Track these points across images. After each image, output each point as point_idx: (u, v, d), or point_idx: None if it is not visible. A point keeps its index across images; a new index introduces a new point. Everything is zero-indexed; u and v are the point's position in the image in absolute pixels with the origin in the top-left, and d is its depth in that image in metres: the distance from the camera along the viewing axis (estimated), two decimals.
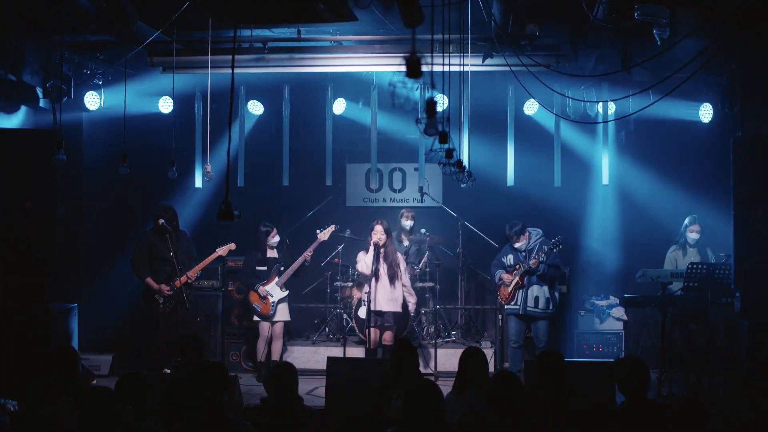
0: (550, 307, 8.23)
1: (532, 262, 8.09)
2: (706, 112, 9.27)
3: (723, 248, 8.35)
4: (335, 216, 10.07)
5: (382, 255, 8.29)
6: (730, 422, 6.62)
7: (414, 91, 3.56)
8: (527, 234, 8.29)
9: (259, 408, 5.18)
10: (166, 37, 7.67)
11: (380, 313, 8.25)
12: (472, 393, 5.13)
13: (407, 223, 9.55)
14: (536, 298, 8.18)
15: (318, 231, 8.80)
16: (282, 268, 8.65)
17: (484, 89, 9.29)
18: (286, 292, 8.65)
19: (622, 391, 4.89)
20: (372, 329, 8.22)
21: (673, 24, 6.52)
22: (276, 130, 10.11)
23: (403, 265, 8.48)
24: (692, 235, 8.61)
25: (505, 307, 8.39)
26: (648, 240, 10.05)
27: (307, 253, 8.64)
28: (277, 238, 8.71)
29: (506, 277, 8.30)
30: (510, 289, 8.25)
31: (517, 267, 8.23)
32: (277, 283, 8.60)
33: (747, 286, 7.25)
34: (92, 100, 9.41)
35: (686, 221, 8.66)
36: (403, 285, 8.42)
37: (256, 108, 9.91)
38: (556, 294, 8.40)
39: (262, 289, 8.58)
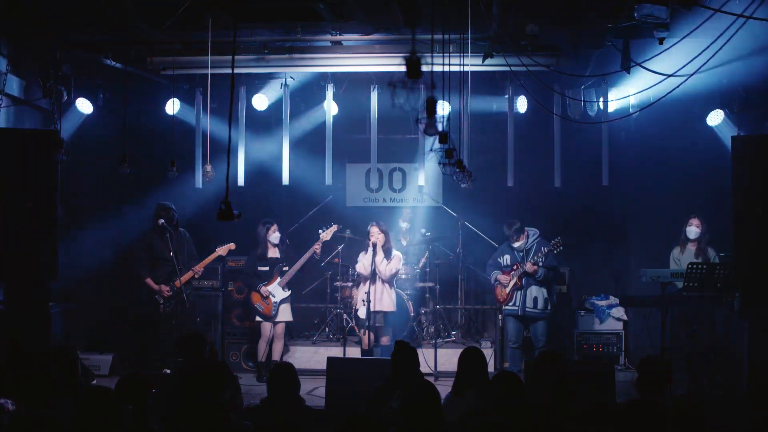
0: (549, 308, 8.22)
1: (527, 266, 8.06)
2: (715, 117, 9.18)
3: (728, 248, 8.32)
4: (335, 216, 10.08)
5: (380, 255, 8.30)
6: (730, 422, 6.62)
7: (414, 90, 3.56)
8: (526, 233, 8.28)
9: (259, 408, 5.18)
10: (166, 37, 7.67)
11: (377, 314, 8.25)
12: (471, 393, 5.13)
13: (404, 225, 9.60)
14: (535, 299, 8.17)
15: (321, 230, 8.81)
16: (285, 268, 8.65)
17: (485, 89, 9.30)
18: (289, 292, 8.64)
19: (640, 388, 4.87)
20: (368, 330, 8.22)
21: (673, 24, 6.52)
22: (276, 130, 10.10)
23: (394, 262, 8.44)
24: (691, 229, 8.54)
25: (504, 308, 8.38)
26: (648, 240, 10.06)
27: (317, 246, 8.61)
28: (277, 234, 8.71)
29: (503, 278, 8.28)
30: (508, 290, 8.24)
31: (515, 268, 8.22)
32: (279, 284, 8.60)
33: (747, 286, 7.24)
34: (83, 104, 9.40)
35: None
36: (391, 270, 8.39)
37: (261, 102, 9.83)
38: (555, 295, 8.39)
39: (264, 290, 8.57)
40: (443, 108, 6.78)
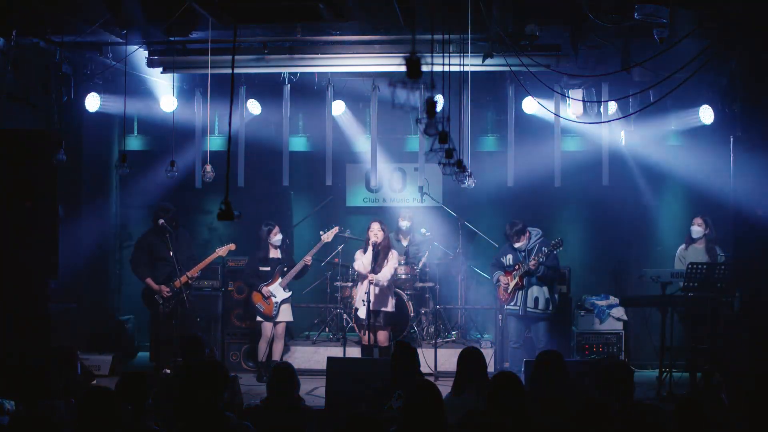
0: (550, 308, 8.22)
1: (531, 263, 8.07)
2: (706, 115, 9.26)
3: (730, 248, 8.33)
4: (335, 216, 10.09)
5: (379, 254, 8.30)
6: (729, 422, 6.61)
7: (414, 91, 3.56)
8: (528, 234, 8.28)
9: (259, 408, 5.18)
10: (166, 37, 7.67)
11: (375, 313, 8.26)
12: (471, 393, 5.13)
13: (405, 224, 9.57)
14: (536, 299, 8.17)
15: (322, 232, 8.80)
16: (285, 269, 8.65)
17: (485, 89, 9.30)
18: (289, 293, 8.64)
19: (605, 394, 4.87)
20: (368, 329, 8.22)
21: (673, 24, 6.51)
22: (276, 130, 10.11)
23: (392, 262, 8.43)
24: (694, 228, 8.61)
25: (505, 307, 8.38)
26: (648, 240, 10.07)
27: (308, 257, 8.64)
28: (279, 236, 8.71)
29: (504, 279, 8.28)
30: (509, 290, 8.24)
31: (517, 267, 8.22)
32: (280, 284, 8.59)
33: (747, 286, 7.24)
34: (92, 102, 9.40)
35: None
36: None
37: (255, 108, 9.92)
38: (556, 295, 8.39)
39: (265, 290, 8.57)
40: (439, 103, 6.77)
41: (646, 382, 8.16)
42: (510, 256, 8.33)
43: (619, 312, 9.21)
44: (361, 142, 10.60)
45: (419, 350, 6.32)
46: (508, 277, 8.25)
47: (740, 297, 7.46)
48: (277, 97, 9.53)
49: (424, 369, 6.26)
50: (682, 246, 8.77)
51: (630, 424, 4.15)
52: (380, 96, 9.28)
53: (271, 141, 10.23)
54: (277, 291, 8.59)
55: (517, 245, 8.25)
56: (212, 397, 4.78)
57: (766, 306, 7.12)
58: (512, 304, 8.24)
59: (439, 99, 5.48)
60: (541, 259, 8.05)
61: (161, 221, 8.39)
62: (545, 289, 8.19)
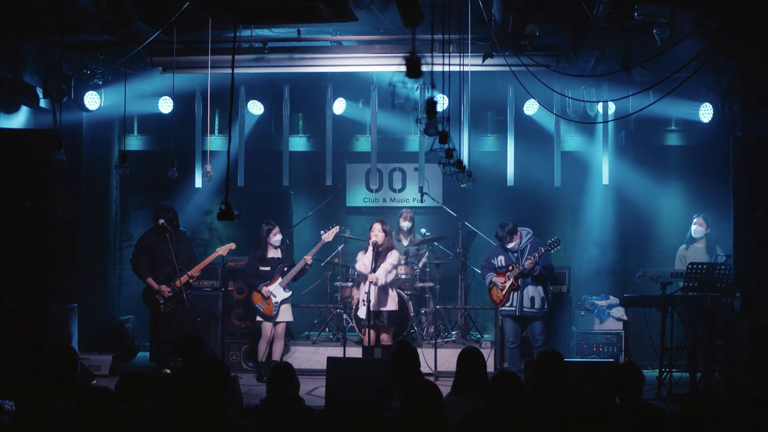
0: (545, 307, 8.23)
1: (527, 263, 8.06)
2: (706, 112, 9.31)
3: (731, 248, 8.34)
4: (335, 216, 10.09)
5: (380, 255, 8.29)
6: (730, 422, 6.61)
7: (414, 91, 3.56)
8: (519, 234, 8.27)
9: (259, 408, 5.18)
10: (166, 37, 7.67)
11: (377, 313, 8.25)
12: (470, 393, 5.13)
13: (405, 224, 9.56)
14: (532, 299, 8.16)
15: (322, 232, 8.79)
16: (285, 269, 8.65)
17: (485, 89, 9.30)
18: (289, 293, 8.63)
19: (618, 394, 4.91)
20: (369, 329, 8.22)
21: (673, 24, 6.52)
22: (276, 130, 10.12)
23: (390, 260, 8.38)
24: (695, 228, 8.64)
25: (501, 309, 8.37)
26: (648, 240, 10.07)
27: (308, 257, 8.64)
28: (279, 236, 8.70)
29: (498, 279, 8.26)
30: (504, 291, 8.23)
31: (510, 268, 8.20)
32: (280, 284, 8.59)
33: (747, 286, 7.24)
34: (92, 100, 9.42)
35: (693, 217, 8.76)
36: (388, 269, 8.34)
37: (256, 108, 9.95)
38: (549, 293, 8.39)
39: (265, 290, 8.56)
40: (442, 102, 6.78)
41: (646, 382, 8.14)
42: (501, 258, 8.32)
43: (619, 312, 9.21)
44: (361, 142, 10.61)
45: (419, 350, 6.33)
46: (503, 278, 8.23)
47: (740, 297, 7.46)
48: (277, 97, 9.54)
49: (424, 369, 6.27)
50: (683, 246, 8.79)
51: (631, 424, 4.16)
52: (380, 96, 9.29)
53: (271, 141, 10.23)
54: (277, 291, 8.59)
55: (509, 246, 8.24)
56: (212, 397, 4.79)
57: (766, 306, 7.12)
58: (508, 305, 8.24)
59: (443, 99, 5.51)
60: (536, 259, 8.05)
61: (161, 221, 8.39)
62: (540, 288, 8.20)
